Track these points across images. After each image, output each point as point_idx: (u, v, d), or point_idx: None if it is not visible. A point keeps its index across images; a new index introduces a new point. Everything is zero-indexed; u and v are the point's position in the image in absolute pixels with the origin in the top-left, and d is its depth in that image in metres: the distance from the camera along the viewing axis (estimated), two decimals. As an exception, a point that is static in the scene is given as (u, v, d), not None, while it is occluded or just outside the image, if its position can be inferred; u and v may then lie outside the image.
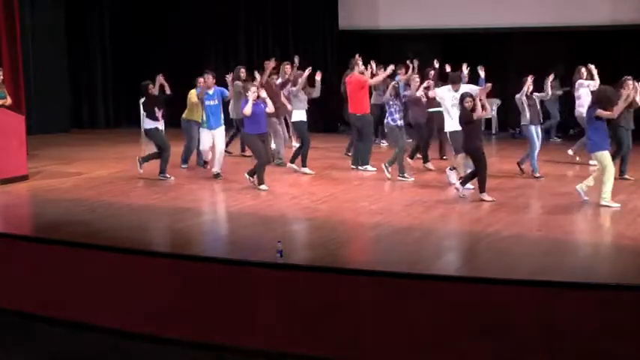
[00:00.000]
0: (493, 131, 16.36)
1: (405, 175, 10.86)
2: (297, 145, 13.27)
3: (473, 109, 9.55)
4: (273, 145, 12.39)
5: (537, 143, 10.99)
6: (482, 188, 9.57)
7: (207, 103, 11.39)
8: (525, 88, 10.93)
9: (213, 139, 11.36)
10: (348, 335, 6.30)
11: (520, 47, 15.91)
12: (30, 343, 6.83)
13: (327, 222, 8.68)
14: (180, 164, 12.07)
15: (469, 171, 9.94)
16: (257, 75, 13.05)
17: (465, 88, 11.05)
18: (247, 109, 10.29)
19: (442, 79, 12.48)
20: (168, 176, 11.11)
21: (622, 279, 6.43)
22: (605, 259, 7.32)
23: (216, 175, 11.20)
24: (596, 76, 12.04)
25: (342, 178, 11.32)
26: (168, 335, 6.70)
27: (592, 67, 12.15)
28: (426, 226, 8.42)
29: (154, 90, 11.24)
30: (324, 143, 14.37)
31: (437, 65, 13.28)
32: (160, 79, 11.33)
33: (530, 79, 10.98)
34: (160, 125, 11.32)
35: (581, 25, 15.10)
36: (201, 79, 11.85)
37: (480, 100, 9.72)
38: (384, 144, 13.83)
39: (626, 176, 10.79)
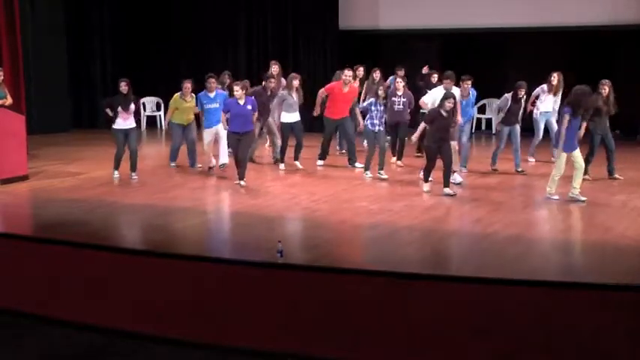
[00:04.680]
0: (493, 131, 16.35)
1: (368, 172, 11.17)
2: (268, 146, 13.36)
3: (452, 113, 9.83)
4: (266, 145, 12.42)
5: (504, 142, 11.46)
6: (425, 178, 10.08)
7: (207, 106, 11.43)
8: (518, 95, 11.28)
9: (214, 136, 11.44)
10: (348, 335, 6.29)
11: (520, 47, 15.92)
12: (29, 342, 6.82)
13: (327, 222, 8.68)
14: (189, 166, 12.11)
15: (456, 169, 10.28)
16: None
17: (457, 91, 11.07)
18: (223, 121, 10.55)
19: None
20: (116, 173, 11.24)
21: (622, 279, 6.43)
22: (606, 259, 7.31)
23: (222, 165, 11.38)
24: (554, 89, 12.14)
25: (342, 178, 11.32)
26: (168, 335, 6.70)
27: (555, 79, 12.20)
28: (426, 226, 8.42)
29: (125, 89, 10.97)
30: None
31: (425, 70, 13.30)
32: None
33: (522, 90, 11.26)
34: (126, 125, 11.06)
35: (581, 25, 15.11)
36: (187, 84, 11.85)
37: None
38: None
39: (616, 175, 10.86)
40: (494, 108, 11.45)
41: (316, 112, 12.32)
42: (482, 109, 16.06)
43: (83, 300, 7.16)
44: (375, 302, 6.28)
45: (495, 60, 15.91)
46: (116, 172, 11.24)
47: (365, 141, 13.51)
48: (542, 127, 12.30)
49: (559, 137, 9.34)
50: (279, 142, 12.24)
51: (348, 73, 11.98)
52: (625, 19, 14.89)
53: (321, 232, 8.34)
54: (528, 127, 12.45)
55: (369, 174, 11.19)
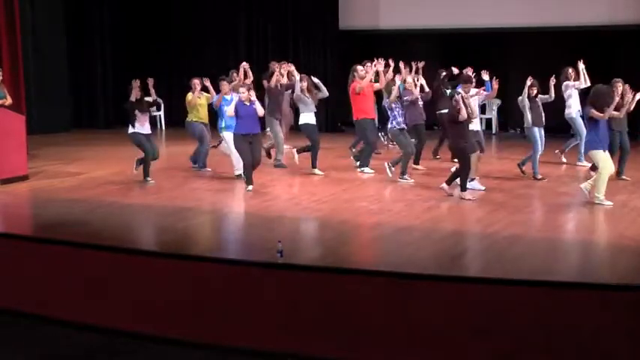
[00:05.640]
0: (493, 131, 16.37)
1: (406, 177, 10.88)
2: (287, 147, 13.24)
3: (459, 111, 9.62)
4: (266, 145, 12.36)
5: (540, 146, 10.95)
6: (463, 187, 9.70)
7: (225, 108, 11.30)
8: (526, 90, 10.90)
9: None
10: (348, 335, 6.30)
11: (520, 47, 15.93)
12: (29, 342, 6.83)
13: (327, 222, 8.68)
14: (192, 165, 11.98)
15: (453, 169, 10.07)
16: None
17: (473, 91, 11.02)
18: (230, 110, 10.28)
19: (451, 80, 12.49)
20: (149, 179, 10.85)
21: (622, 279, 6.43)
22: (605, 259, 7.32)
23: (239, 176, 11.12)
24: (583, 76, 11.88)
25: (342, 178, 11.31)
26: (168, 335, 6.70)
27: (582, 66, 11.90)
28: (426, 226, 8.42)
29: (137, 93, 10.80)
30: (324, 143, 14.34)
31: (455, 71, 13.20)
32: (150, 83, 11.12)
33: (529, 82, 10.91)
34: (144, 130, 10.83)
35: (580, 25, 15.12)
36: (196, 81, 11.78)
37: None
38: (392, 145, 13.61)
39: (624, 177, 10.78)
40: (522, 106, 11.10)
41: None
42: (482, 109, 16.04)
43: (83, 300, 7.16)
44: (375, 302, 6.28)
45: (495, 60, 15.88)
46: (149, 179, 10.85)
47: (388, 143, 13.42)
48: (582, 123, 11.72)
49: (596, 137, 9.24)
50: (280, 146, 12.26)
51: (360, 68, 11.83)
52: (625, 19, 14.89)
53: (321, 233, 8.34)
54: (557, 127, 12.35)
55: (408, 178, 10.85)
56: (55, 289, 7.29)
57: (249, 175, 10.31)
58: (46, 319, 7.13)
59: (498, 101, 15.79)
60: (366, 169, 11.75)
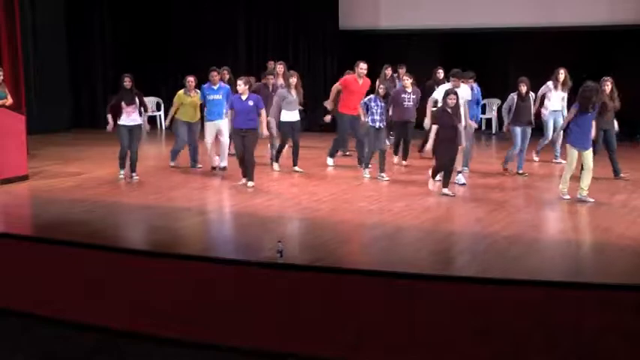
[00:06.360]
0: (493, 131, 16.36)
1: (367, 171, 11.06)
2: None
3: (456, 109, 9.70)
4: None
5: (519, 143, 11.14)
6: (433, 175, 9.94)
7: (210, 97, 11.49)
8: (520, 91, 11.10)
9: (216, 132, 11.50)
10: (348, 335, 6.29)
11: (520, 47, 15.92)
12: (29, 342, 6.83)
13: (326, 222, 8.68)
14: (190, 166, 12.04)
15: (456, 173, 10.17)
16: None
17: (465, 89, 10.95)
18: (229, 119, 10.55)
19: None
20: (122, 175, 11.07)
21: (622, 279, 6.43)
22: (606, 259, 7.31)
23: (223, 168, 11.40)
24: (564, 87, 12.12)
25: (342, 178, 11.31)
26: (168, 335, 6.70)
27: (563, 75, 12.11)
28: (426, 226, 8.42)
29: (128, 84, 10.84)
30: (323, 143, 14.36)
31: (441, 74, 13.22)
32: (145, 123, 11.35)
33: (523, 85, 11.09)
34: (128, 121, 10.91)
35: (580, 25, 15.13)
36: (190, 79, 11.82)
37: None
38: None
39: (622, 175, 10.79)
40: (504, 108, 11.30)
41: (330, 106, 12.19)
42: (482, 110, 16.04)
43: (83, 300, 7.16)
44: (375, 302, 6.28)
45: (495, 60, 15.91)
46: (122, 172, 11.10)
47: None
48: (551, 126, 12.20)
49: (563, 129, 9.37)
50: (276, 143, 12.24)
51: (363, 65, 11.87)
52: (625, 19, 14.90)
53: (321, 233, 8.34)
54: (540, 127, 12.40)
55: (367, 173, 11.10)
56: (55, 289, 7.29)
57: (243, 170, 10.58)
58: (46, 319, 7.13)
59: (498, 101, 15.78)
60: (329, 160, 12.08)
